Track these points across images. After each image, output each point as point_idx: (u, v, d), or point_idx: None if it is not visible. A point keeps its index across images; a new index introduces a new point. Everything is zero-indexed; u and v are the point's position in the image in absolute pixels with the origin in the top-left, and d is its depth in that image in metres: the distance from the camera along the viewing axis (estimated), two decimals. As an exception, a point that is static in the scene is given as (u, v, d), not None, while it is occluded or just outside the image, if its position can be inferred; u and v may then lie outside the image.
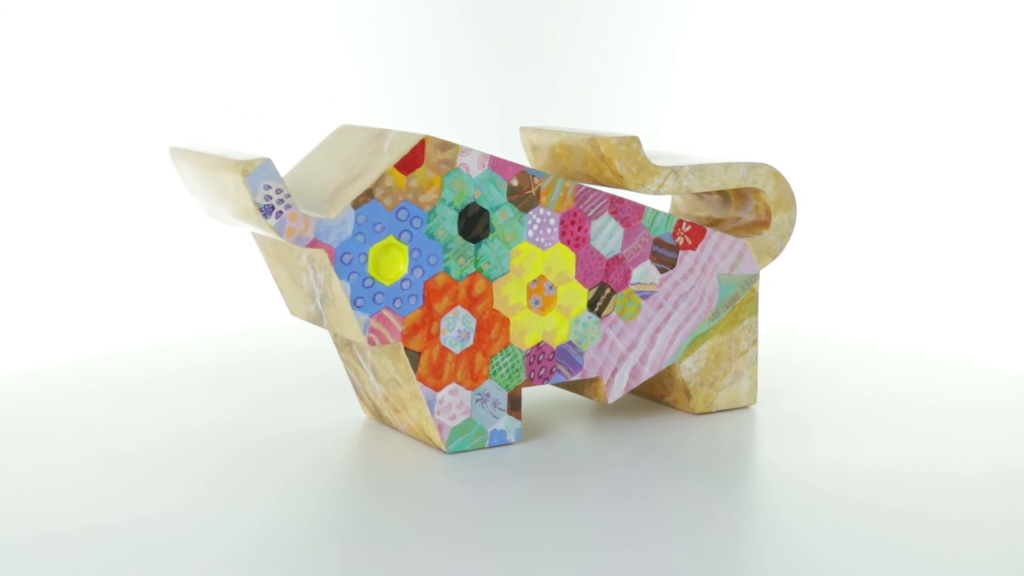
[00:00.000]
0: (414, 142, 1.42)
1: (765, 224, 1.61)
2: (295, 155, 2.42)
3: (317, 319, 1.48)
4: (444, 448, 1.47)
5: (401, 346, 1.43)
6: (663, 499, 1.34)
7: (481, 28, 2.45)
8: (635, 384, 1.56)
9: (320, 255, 1.40)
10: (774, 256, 1.62)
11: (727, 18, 2.40)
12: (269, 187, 1.36)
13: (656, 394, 1.65)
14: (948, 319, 2.04)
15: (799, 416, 1.61)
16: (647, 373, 1.56)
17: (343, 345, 1.56)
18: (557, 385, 1.58)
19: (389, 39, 2.42)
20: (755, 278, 1.61)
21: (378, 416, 1.58)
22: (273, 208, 1.36)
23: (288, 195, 1.36)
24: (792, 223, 1.63)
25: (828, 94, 2.37)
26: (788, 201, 1.61)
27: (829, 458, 1.46)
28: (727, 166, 1.56)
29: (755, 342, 1.62)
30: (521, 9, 2.48)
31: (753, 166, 1.58)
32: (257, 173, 1.35)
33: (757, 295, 1.62)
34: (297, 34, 2.39)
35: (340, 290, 1.41)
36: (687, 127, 2.40)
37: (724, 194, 1.64)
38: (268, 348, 1.94)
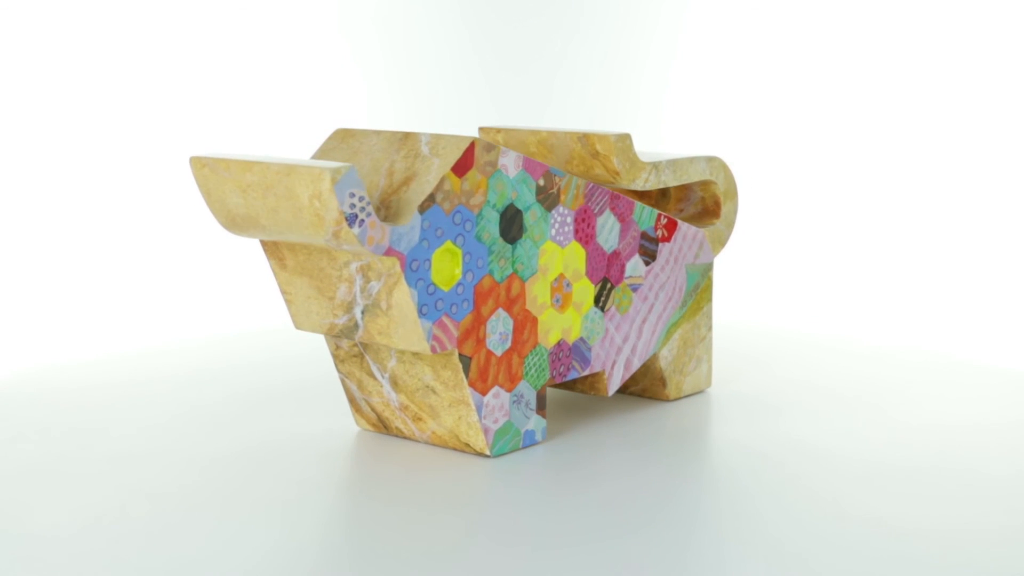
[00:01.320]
0: (464, 144, 1.40)
1: (715, 214, 1.68)
2: (295, 156, 2.37)
3: (345, 331, 1.43)
4: (487, 452, 1.46)
5: (454, 352, 1.41)
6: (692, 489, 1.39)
7: (480, 28, 2.43)
8: (627, 376, 1.59)
9: (381, 264, 1.36)
10: (723, 244, 1.70)
11: (727, 18, 2.40)
12: (354, 195, 1.31)
13: (625, 384, 1.69)
14: (891, 307, 2.16)
15: (755, 397, 1.70)
16: (636, 364, 1.60)
17: (346, 356, 1.51)
18: (553, 386, 1.59)
19: (388, 39, 2.38)
20: (711, 266, 1.68)
21: (381, 428, 1.54)
22: (356, 216, 1.31)
23: (368, 203, 1.32)
24: (736, 212, 1.71)
25: (824, 94, 2.41)
26: (734, 191, 1.69)
27: (798, 436, 1.56)
28: (691, 160, 1.63)
29: (711, 328, 1.69)
30: (520, 9, 2.46)
31: (710, 159, 1.65)
32: (344, 181, 1.29)
33: (712, 283, 1.69)
34: (296, 34, 2.35)
35: (401, 298, 1.37)
36: (687, 127, 2.40)
37: (664, 189, 1.70)
38: (265, 351, 1.87)
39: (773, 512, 1.30)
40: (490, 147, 1.42)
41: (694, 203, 1.69)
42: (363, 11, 2.38)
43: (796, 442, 1.51)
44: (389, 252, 1.35)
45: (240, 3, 2.33)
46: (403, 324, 1.39)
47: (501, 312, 1.45)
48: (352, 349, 1.50)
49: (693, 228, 1.65)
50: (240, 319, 2.11)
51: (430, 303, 1.38)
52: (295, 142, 2.41)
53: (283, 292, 1.47)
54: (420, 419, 1.49)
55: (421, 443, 1.51)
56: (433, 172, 1.39)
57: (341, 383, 1.55)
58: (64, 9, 2.25)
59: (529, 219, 1.46)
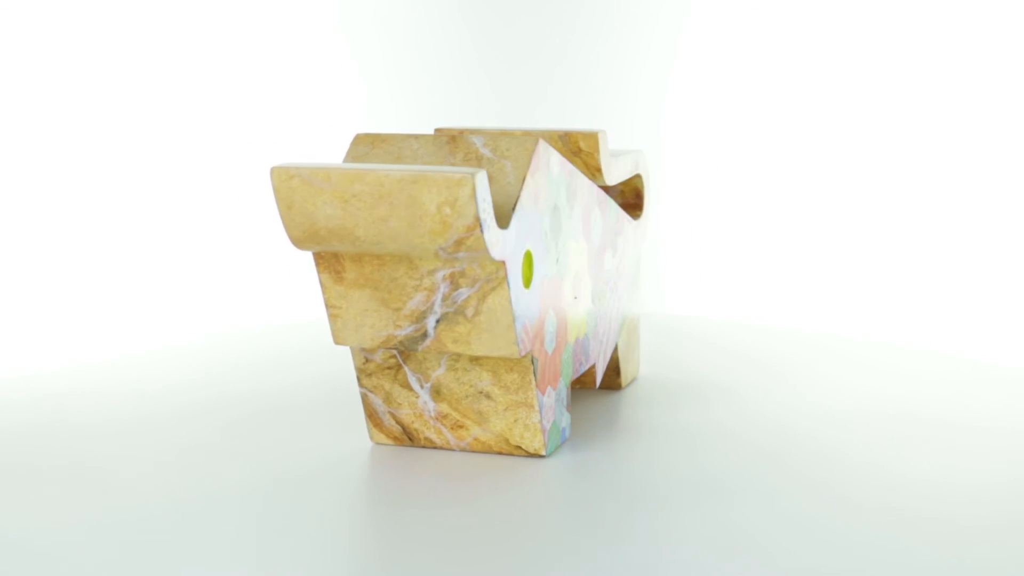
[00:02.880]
0: (530, 144, 1.40)
1: (638, 207, 1.75)
2: (294, 157, 2.32)
3: (407, 342, 1.39)
4: (543, 453, 1.47)
5: (518, 354, 1.41)
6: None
7: (480, 27, 2.37)
8: (604, 366, 1.64)
9: (480, 269, 1.34)
10: (645, 235, 1.77)
11: (727, 18, 2.37)
12: (485, 200, 1.29)
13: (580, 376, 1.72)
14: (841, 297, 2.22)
15: (682, 383, 1.78)
16: (608, 354, 1.65)
17: (376, 370, 1.46)
18: None
19: (388, 39, 2.32)
20: (640, 256, 1.75)
21: (405, 440, 1.50)
22: (486, 222, 1.29)
23: (491, 208, 1.31)
24: (649, 205, 1.79)
25: (823, 94, 2.36)
26: (646, 185, 1.77)
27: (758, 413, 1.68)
28: (627, 154, 1.69)
29: (639, 316, 1.76)
30: (520, 8, 2.40)
31: (639, 153, 1.72)
32: (481, 186, 1.28)
33: (640, 271, 1.76)
34: (295, 33, 2.32)
35: (498, 303, 1.35)
36: (687, 127, 2.37)
37: None
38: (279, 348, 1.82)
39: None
40: (547, 147, 1.42)
41: (615, 196, 1.75)
42: (363, 11, 2.34)
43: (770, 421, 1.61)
44: (501, 256, 1.33)
45: (239, 3, 2.31)
46: (491, 330, 1.37)
47: (550, 311, 1.46)
48: (387, 361, 1.45)
49: (632, 220, 1.71)
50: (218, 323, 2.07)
51: (520, 305, 1.38)
52: (295, 142, 2.39)
53: (330, 307, 1.40)
54: (461, 427, 1.47)
55: (453, 452, 1.48)
56: (510, 174, 1.38)
57: (362, 398, 1.49)
58: (62, 9, 2.21)
59: (563, 217, 1.48)
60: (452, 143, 1.42)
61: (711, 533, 1.24)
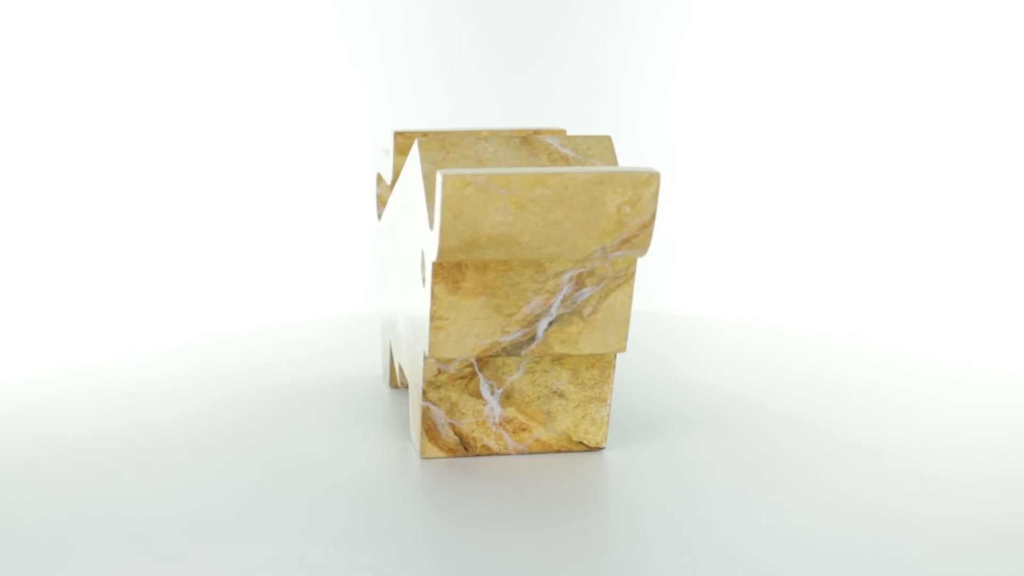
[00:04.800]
0: (607, 142, 1.44)
1: None
2: (295, 156, 2.32)
3: (510, 348, 1.38)
4: (603, 445, 1.50)
5: (625, 349, 1.44)
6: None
7: (480, 28, 2.34)
8: None
9: (611, 267, 1.37)
10: None
11: (730, 18, 2.29)
12: (655, 198, 1.33)
13: None
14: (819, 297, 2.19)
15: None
16: None
17: (448, 381, 1.43)
18: None
19: (388, 39, 2.32)
20: None
21: (460, 451, 1.47)
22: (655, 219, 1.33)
23: None
24: None
25: (822, 94, 2.28)
26: None
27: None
28: None
29: None
30: (521, 9, 2.36)
31: None
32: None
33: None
34: (295, 33, 2.32)
35: (620, 300, 1.38)
36: (687, 127, 2.30)
37: None
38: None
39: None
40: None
41: None
42: (363, 11, 2.31)
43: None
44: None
45: (238, 3, 2.30)
46: (604, 327, 1.39)
47: None
48: (461, 371, 1.42)
49: None
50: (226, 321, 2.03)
51: (625, 301, 1.41)
52: (295, 142, 2.36)
53: (436, 319, 1.36)
54: (525, 429, 1.46)
55: (509, 456, 1.48)
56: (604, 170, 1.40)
57: (423, 412, 1.44)
58: (61, 9, 2.21)
59: None
60: (527, 144, 1.41)
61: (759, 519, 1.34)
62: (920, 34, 2.23)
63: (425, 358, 1.40)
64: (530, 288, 1.35)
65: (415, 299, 1.44)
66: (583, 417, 1.46)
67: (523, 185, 1.26)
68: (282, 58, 2.35)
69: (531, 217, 1.28)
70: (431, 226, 1.33)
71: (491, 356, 1.39)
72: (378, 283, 1.72)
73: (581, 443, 1.48)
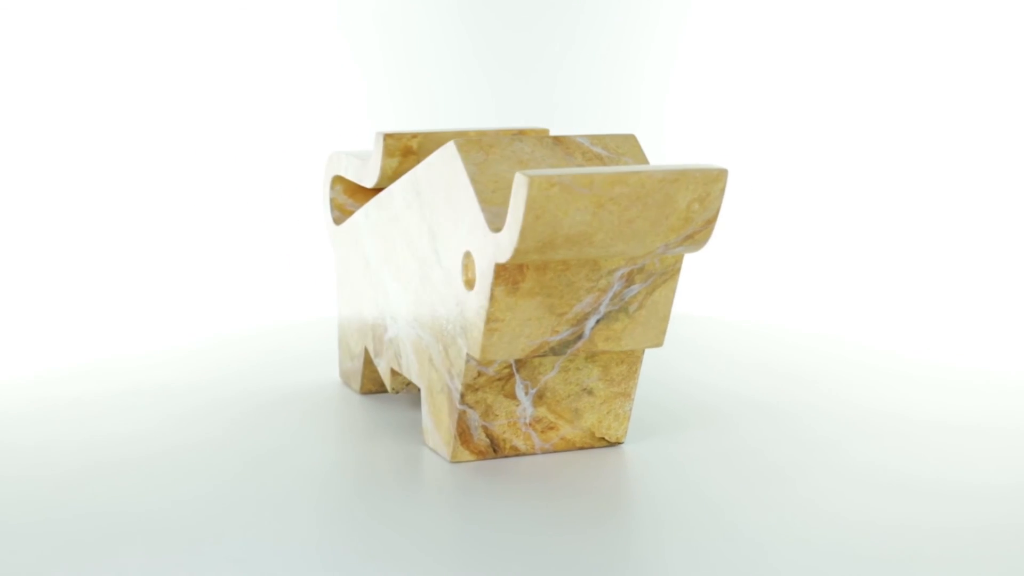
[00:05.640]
0: (632, 141, 1.46)
1: None
2: (294, 156, 2.34)
3: (557, 347, 1.39)
4: (623, 440, 1.52)
5: (662, 343, 1.46)
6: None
7: (480, 29, 2.35)
8: None
9: (661, 262, 1.39)
10: None
11: (728, 18, 2.25)
12: None
13: None
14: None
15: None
16: None
17: (487, 383, 1.42)
18: None
19: (388, 40, 2.35)
20: None
21: (489, 453, 1.47)
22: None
23: None
24: None
25: (823, 93, 2.22)
26: None
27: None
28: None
29: None
30: (520, 10, 2.37)
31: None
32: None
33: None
34: (296, 35, 2.33)
35: (664, 295, 1.41)
36: (687, 127, 2.30)
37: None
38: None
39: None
40: None
41: None
42: (363, 11, 2.33)
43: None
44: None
45: (238, 3, 2.31)
46: (647, 323, 1.41)
47: None
48: (500, 373, 1.42)
49: None
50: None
51: (662, 297, 1.43)
52: (295, 143, 2.36)
53: (492, 320, 1.35)
54: (552, 427, 1.47)
55: (534, 456, 1.48)
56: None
57: (459, 416, 1.43)
58: (60, 9, 2.22)
59: None
60: (560, 144, 1.41)
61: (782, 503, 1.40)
62: (920, 35, 2.24)
63: (467, 361, 1.38)
64: (583, 287, 1.35)
65: (433, 303, 1.43)
66: (607, 413, 1.47)
67: (604, 184, 1.27)
68: (282, 58, 2.34)
69: (608, 216, 1.28)
70: (489, 227, 1.32)
71: (538, 356, 1.38)
72: (345, 289, 1.68)
73: (603, 439, 1.49)
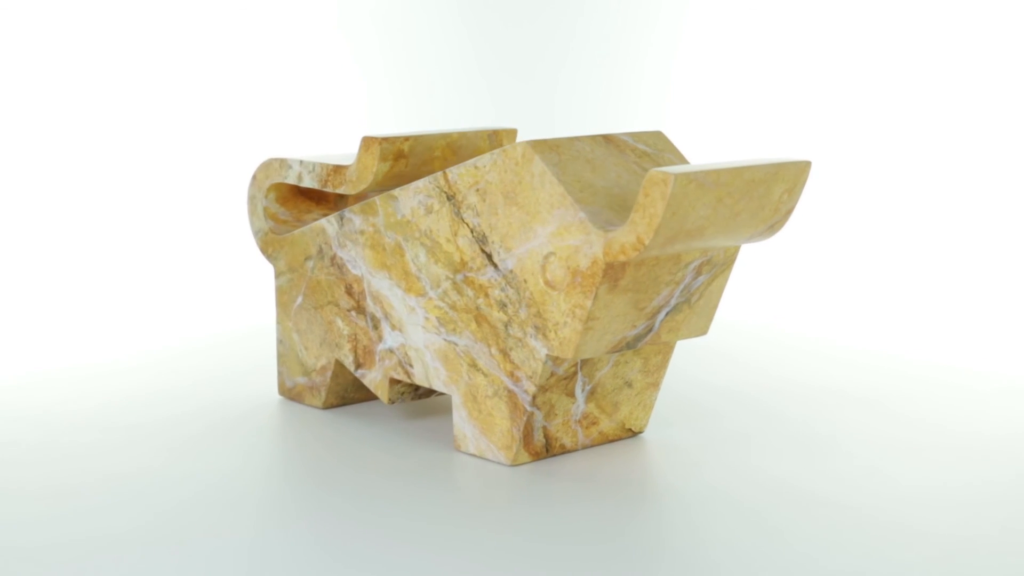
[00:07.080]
0: (662, 137, 1.51)
1: None
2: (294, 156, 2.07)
3: (630, 342, 1.42)
4: (643, 430, 1.57)
5: (707, 332, 1.51)
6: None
7: (480, 29, 2.37)
8: None
9: (724, 253, 1.45)
10: None
11: (728, 17, 2.32)
12: None
13: None
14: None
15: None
16: None
17: (556, 382, 1.43)
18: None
19: (388, 40, 2.35)
20: None
21: (543, 454, 1.48)
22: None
23: None
24: None
25: (825, 91, 2.25)
26: None
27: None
28: None
29: None
30: (520, 10, 2.38)
31: None
32: None
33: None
34: (296, 35, 2.33)
35: (719, 285, 1.47)
36: (688, 127, 2.33)
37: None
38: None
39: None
40: None
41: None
42: (362, 11, 2.33)
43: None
44: None
45: (238, 3, 2.31)
46: (702, 312, 1.46)
47: None
48: (568, 371, 1.43)
49: None
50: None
51: (708, 286, 1.49)
52: (295, 143, 2.35)
53: (592, 318, 1.37)
54: (595, 423, 1.50)
55: (577, 452, 1.51)
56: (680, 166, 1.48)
57: (525, 421, 1.42)
58: (60, 9, 2.21)
59: None
60: (611, 143, 1.44)
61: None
62: (920, 35, 2.23)
63: (545, 361, 1.39)
64: (663, 280, 1.39)
65: (477, 307, 1.43)
66: (639, 404, 1.51)
67: (727, 180, 1.31)
68: (282, 58, 2.32)
69: (722, 210, 1.33)
70: (592, 226, 1.33)
71: (616, 351, 1.41)
72: (295, 303, 1.62)
73: (629, 430, 1.52)
